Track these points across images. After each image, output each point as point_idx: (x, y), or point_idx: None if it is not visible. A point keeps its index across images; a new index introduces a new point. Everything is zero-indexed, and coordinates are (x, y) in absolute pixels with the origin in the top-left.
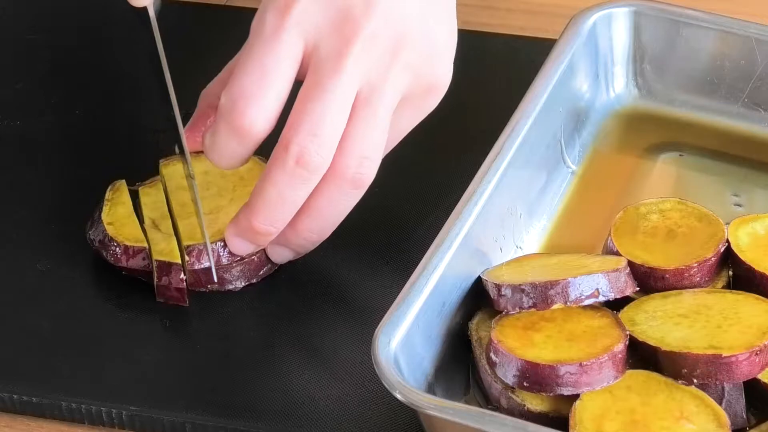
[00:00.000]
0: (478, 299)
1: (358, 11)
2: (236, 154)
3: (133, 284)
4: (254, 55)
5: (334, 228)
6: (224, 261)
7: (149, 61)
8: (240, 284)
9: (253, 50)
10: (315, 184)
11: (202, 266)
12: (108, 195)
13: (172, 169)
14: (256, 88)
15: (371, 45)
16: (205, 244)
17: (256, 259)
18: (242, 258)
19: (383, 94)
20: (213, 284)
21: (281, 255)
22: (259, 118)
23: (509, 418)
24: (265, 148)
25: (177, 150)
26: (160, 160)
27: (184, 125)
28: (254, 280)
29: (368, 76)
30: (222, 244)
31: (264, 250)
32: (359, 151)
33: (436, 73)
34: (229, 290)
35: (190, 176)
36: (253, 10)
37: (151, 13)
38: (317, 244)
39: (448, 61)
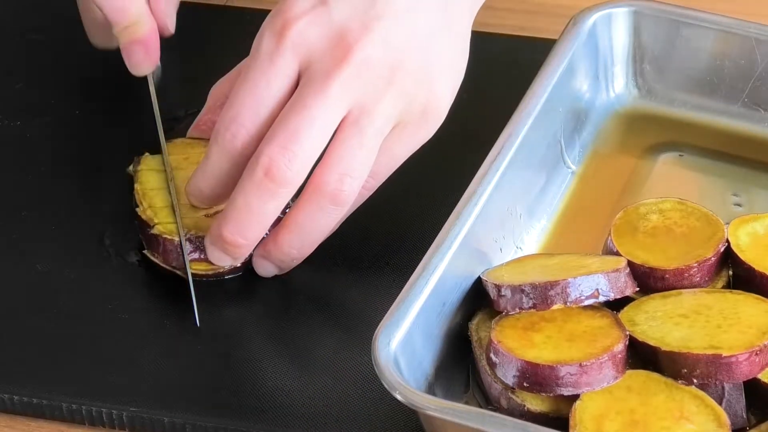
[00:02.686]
0: (478, 299)
1: (353, 36)
2: (226, 176)
3: (134, 284)
4: (249, 80)
5: (314, 245)
6: None
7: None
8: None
9: (249, 74)
10: (285, 199)
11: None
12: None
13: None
14: (247, 114)
15: (363, 70)
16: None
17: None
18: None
19: (373, 116)
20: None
21: (265, 268)
22: (252, 144)
23: (509, 418)
24: None
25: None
26: (135, 157)
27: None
28: None
29: (359, 100)
30: None
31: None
32: (340, 168)
33: (431, 103)
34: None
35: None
36: (254, 11)
37: (150, 81)
38: (299, 261)
39: (447, 90)
